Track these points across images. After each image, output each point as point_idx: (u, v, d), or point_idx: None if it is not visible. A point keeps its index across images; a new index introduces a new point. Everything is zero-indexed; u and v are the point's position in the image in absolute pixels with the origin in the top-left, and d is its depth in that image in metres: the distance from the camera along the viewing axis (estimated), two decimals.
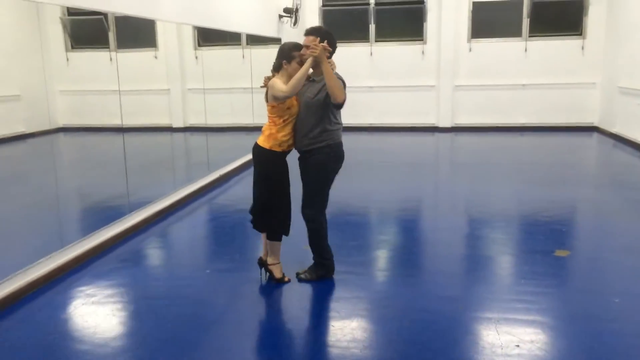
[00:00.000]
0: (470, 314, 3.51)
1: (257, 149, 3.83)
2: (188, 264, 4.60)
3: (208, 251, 4.95)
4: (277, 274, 4.01)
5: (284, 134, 3.75)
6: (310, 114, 3.72)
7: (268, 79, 3.81)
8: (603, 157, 9.47)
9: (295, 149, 3.86)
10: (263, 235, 4.08)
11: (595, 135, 10.75)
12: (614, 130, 10.10)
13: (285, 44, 3.80)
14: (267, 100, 3.74)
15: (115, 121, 5.33)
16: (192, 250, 5.03)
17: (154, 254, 5.01)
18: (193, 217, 5.95)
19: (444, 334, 3.27)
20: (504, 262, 4.52)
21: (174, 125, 7.92)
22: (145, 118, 7.15)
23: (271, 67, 3.84)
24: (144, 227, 5.31)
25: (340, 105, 3.72)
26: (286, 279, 4.01)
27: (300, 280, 4.03)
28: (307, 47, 3.64)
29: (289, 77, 3.64)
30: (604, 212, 5.79)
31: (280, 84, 3.61)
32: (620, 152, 9.16)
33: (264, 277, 4.07)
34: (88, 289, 3.97)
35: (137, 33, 6.67)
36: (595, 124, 11.06)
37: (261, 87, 3.86)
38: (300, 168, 3.92)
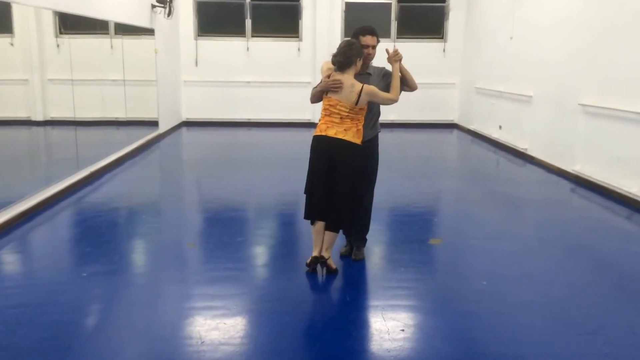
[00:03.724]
0: (358, 302, 3.67)
1: (352, 147, 3.92)
2: (62, 268, 4.27)
3: (83, 253, 4.61)
4: (333, 266, 4.08)
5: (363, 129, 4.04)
6: (376, 107, 4.15)
7: (329, 74, 3.96)
8: (463, 151, 10.32)
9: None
10: (316, 233, 4.02)
11: (456, 131, 11.68)
12: (472, 127, 11.05)
13: (352, 42, 3.99)
14: (356, 103, 3.87)
15: None
16: (66, 253, 4.68)
17: (20, 259, 4.59)
18: (63, 217, 5.54)
19: (334, 324, 3.38)
20: (384, 251, 4.76)
21: (33, 119, 7.26)
22: None
23: (334, 64, 3.97)
24: (6, 230, 4.84)
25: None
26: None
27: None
28: (370, 46, 4.00)
29: (357, 71, 3.97)
30: (467, 201, 6.33)
31: (385, 93, 3.96)
32: (477, 147, 10.05)
33: (323, 272, 4.03)
34: None
35: None
36: (455, 121, 12.03)
37: (334, 86, 3.90)
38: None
